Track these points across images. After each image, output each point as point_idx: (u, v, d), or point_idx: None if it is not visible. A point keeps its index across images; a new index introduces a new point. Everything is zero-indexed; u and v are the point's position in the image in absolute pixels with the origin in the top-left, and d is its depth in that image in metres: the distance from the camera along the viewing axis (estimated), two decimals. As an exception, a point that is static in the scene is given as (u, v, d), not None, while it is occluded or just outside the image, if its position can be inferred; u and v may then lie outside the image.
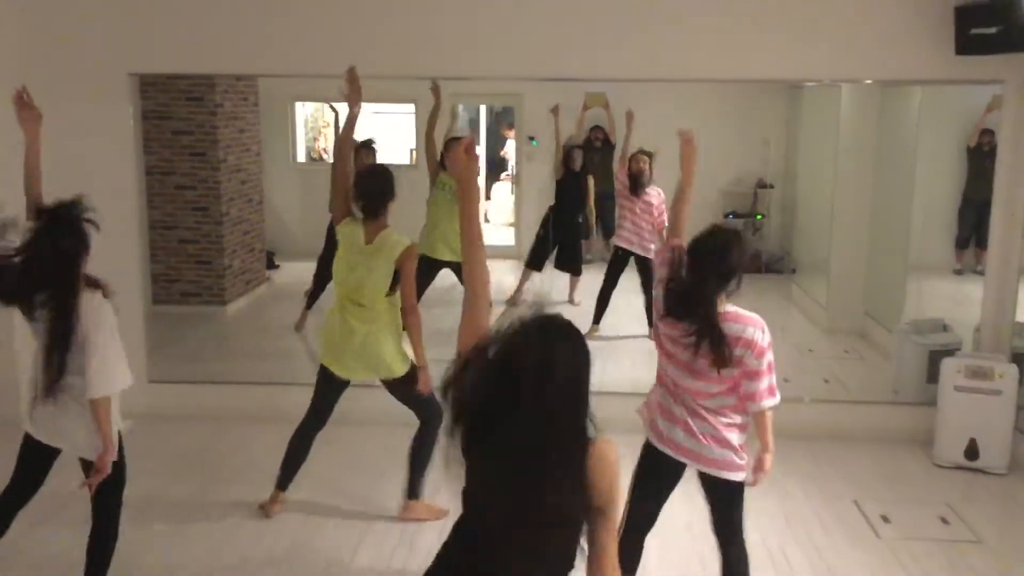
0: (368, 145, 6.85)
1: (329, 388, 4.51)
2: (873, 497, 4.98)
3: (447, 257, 6.43)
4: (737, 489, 3.35)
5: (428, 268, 6.19)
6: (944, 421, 5.40)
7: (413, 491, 4.56)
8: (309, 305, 7.21)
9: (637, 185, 7.19)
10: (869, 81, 6.37)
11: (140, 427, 5.39)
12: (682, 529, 4.38)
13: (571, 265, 7.89)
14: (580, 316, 7.72)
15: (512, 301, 7.91)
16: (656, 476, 3.41)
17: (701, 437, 3.27)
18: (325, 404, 4.54)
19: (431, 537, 4.27)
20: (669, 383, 3.36)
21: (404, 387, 4.39)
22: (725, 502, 3.39)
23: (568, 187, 7.69)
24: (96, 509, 3.49)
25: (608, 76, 5.90)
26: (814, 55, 5.49)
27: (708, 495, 3.41)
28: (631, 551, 3.40)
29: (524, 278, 7.88)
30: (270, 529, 4.50)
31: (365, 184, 4.35)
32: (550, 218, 7.76)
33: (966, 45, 5.15)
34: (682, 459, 3.32)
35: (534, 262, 7.82)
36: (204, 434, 5.64)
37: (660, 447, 3.35)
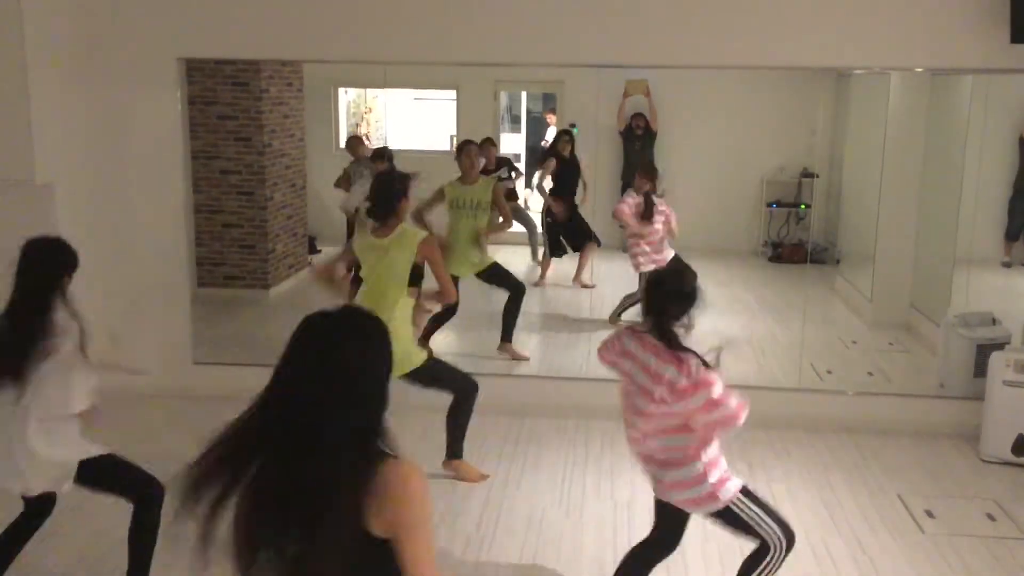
0: (382, 154, 7.03)
1: None
2: (918, 492, 4.91)
3: (466, 272, 6.41)
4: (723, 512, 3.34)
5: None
6: (992, 416, 5.31)
7: (455, 452, 4.77)
8: None
9: (650, 209, 6.85)
10: (920, 69, 6.25)
11: (183, 407, 5.47)
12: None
13: (586, 240, 7.79)
14: (591, 299, 7.70)
15: (539, 284, 7.96)
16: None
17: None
18: None
19: (476, 504, 4.29)
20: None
21: (426, 373, 4.51)
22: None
23: (563, 173, 7.67)
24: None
25: (651, 63, 5.85)
26: (865, 42, 5.40)
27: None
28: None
29: (545, 266, 8.00)
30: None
31: (377, 189, 4.52)
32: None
33: (1021, 33, 5.03)
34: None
35: (554, 251, 7.93)
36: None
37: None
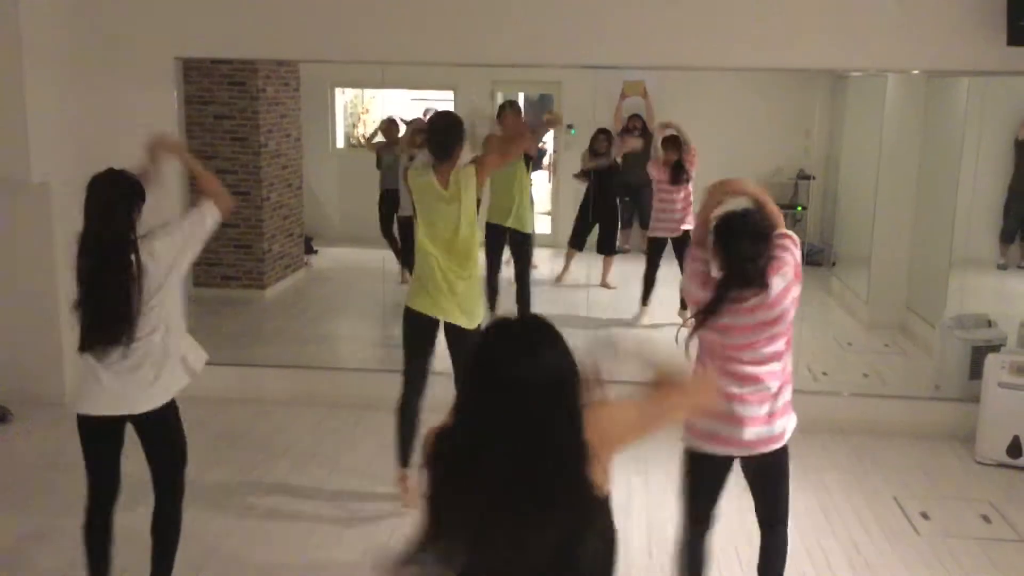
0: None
1: (421, 336, 4.51)
2: (913, 494, 4.92)
3: (511, 224, 6.69)
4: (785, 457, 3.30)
5: (496, 235, 6.71)
6: (987, 418, 5.32)
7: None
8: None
9: (680, 172, 7.22)
10: (916, 71, 6.26)
11: (180, 408, 5.46)
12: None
13: (608, 248, 8.02)
14: (617, 300, 7.73)
15: (559, 280, 7.98)
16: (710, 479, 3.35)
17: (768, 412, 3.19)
18: (418, 359, 4.54)
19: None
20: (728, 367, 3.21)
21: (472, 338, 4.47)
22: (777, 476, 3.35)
23: (604, 172, 7.77)
24: (164, 485, 3.48)
25: (648, 64, 5.86)
26: (861, 44, 5.40)
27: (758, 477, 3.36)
28: (694, 553, 3.38)
29: (568, 258, 8.14)
30: (307, 512, 4.54)
31: (436, 128, 4.47)
32: (589, 201, 7.89)
33: (1018, 35, 5.04)
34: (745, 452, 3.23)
35: (575, 243, 8.05)
36: (243, 416, 5.71)
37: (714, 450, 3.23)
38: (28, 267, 5.78)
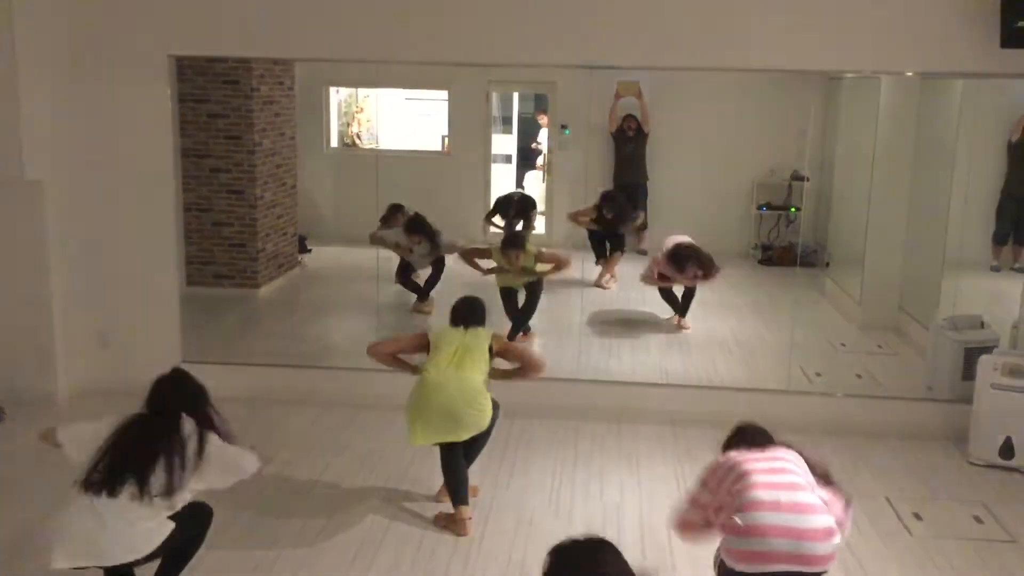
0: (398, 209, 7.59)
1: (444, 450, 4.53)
2: (905, 494, 4.93)
3: (518, 285, 7.04)
4: None
5: (509, 294, 7.04)
6: (979, 419, 5.33)
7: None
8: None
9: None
10: (910, 73, 6.28)
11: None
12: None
13: (620, 249, 8.09)
14: (609, 300, 7.73)
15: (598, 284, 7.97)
16: None
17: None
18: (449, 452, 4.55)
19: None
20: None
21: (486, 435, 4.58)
22: None
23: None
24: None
25: (643, 64, 5.85)
26: (855, 46, 5.42)
27: None
28: None
29: (612, 263, 8.14)
30: (302, 509, 4.54)
31: (468, 309, 4.56)
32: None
33: (1011, 38, 5.06)
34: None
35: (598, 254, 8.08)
36: (236, 414, 5.67)
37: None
38: (20, 265, 5.76)
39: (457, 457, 4.40)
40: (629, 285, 7.68)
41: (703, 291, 7.40)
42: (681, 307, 7.39)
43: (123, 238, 5.96)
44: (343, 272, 8.79)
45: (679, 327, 7.38)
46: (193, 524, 3.55)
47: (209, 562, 4.00)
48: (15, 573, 3.91)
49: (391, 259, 7.68)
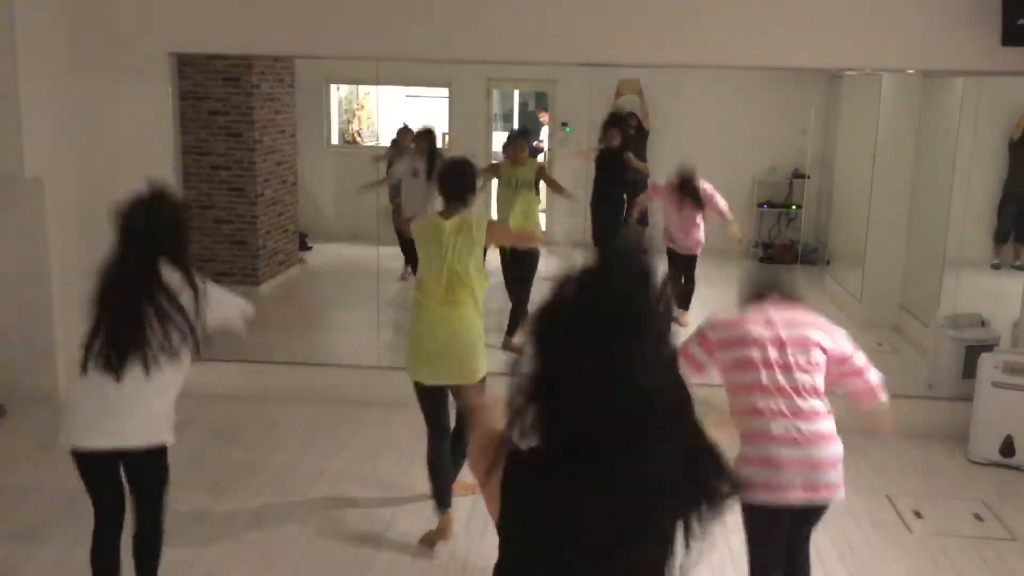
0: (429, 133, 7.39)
1: (430, 401, 4.33)
2: (906, 492, 4.93)
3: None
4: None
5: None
6: (980, 417, 5.33)
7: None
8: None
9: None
10: (911, 71, 6.27)
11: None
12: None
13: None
14: None
15: None
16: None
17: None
18: (435, 416, 4.33)
19: (465, 504, 4.30)
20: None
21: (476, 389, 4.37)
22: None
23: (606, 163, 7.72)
24: (145, 507, 3.34)
25: (644, 62, 5.85)
26: (856, 44, 5.41)
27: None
28: None
29: None
30: (299, 509, 4.54)
31: (449, 177, 4.23)
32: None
33: (1013, 35, 5.05)
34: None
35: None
36: (237, 411, 5.70)
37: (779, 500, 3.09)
38: (21, 262, 5.76)
39: (444, 454, 4.22)
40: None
41: (703, 288, 7.40)
42: (682, 297, 7.34)
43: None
44: (343, 269, 8.81)
45: (677, 323, 7.38)
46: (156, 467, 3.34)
47: (206, 561, 4.00)
48: (15, 572, 3.91)
49: (391, 258, 7.68)
